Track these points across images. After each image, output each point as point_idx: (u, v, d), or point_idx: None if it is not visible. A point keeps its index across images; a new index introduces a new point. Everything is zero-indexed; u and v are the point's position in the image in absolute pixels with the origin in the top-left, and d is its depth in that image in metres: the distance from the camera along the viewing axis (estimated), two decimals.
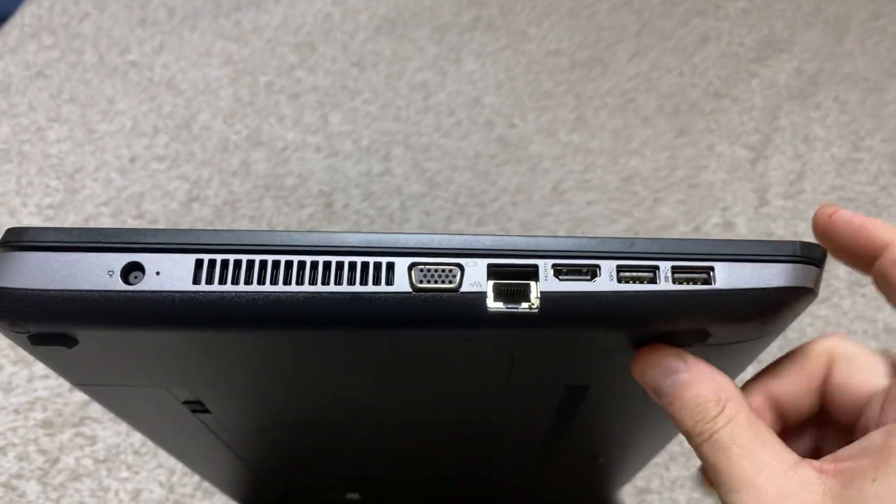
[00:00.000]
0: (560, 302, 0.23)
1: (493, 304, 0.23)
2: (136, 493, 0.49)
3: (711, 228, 0.68)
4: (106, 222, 0.65)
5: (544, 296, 0.23)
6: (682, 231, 0.68)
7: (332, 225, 0.66)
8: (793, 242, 0.24)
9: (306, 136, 0.74)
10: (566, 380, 0.30)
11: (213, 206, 0.67)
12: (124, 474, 0.50)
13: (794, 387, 0.29)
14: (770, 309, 0.24)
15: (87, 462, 0.50)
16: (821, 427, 0.30)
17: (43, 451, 0.50)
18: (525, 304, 0.23)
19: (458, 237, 0.23)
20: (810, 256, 0.24)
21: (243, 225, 0.66)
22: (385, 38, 0.87)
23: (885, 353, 0.29)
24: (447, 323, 0.23)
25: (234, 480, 0.44)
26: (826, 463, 0.23)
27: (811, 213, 0.71)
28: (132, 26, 0.86)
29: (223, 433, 0.34)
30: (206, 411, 0.30)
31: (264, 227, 0.66)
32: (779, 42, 0.90)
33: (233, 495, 0.48)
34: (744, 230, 0.68)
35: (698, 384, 0.24)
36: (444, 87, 0.81)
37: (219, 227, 0.65)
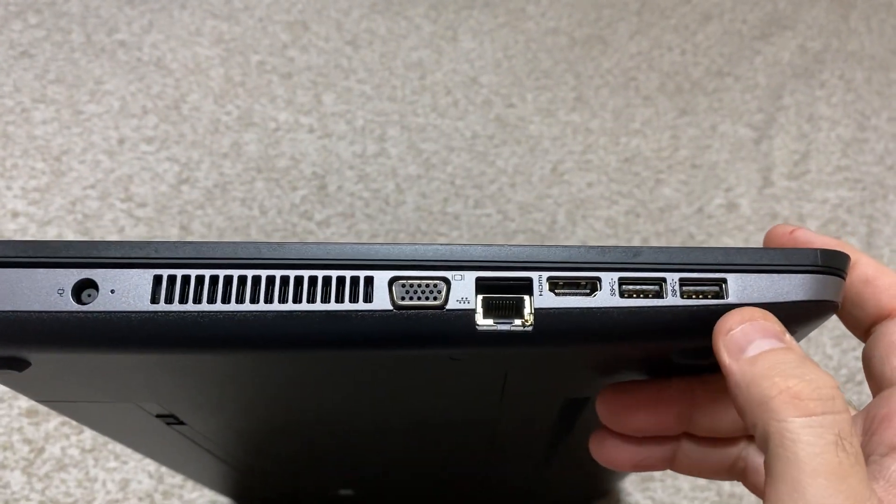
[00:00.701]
0: (556, 319, 0.21)
1: (482, 322, 0.21)
2: (125, 484, 0.48)
3: (714, 209, 0.66)
4: (93, 205, 0.63)
5: (539, 312, 0.21)
6: (683, 213, 0.66)
7: (325, 208, 0.64)
8: (814, 251, 0.22)
9: (299, 116, 0.72)
10: (565, 393, 0.28)
11: (203, 188, 0.65)
12: (112, 464, 0.48)
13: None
14: (788, 324, 0.22)
15: (74, 452, 0.48)
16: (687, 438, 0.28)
17: (28, 441, 0.49)
18: (518, 322, 0.21)
19: (443, 247, 0.21)
20: (833, 266, 0.22)
21: (234, 208, 0.64)
22: (380, 16, 0.85)
23: None
24: (432, 343, 0.21)
25: (221, 480, 0.43)
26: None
27: (817, 195, 0.70)
28: (120, 5, 0.84)
29: (204, 442, 0.32)
30: (182, 423, 0.29)
31: (256, 210, 0.64)
32: (782, 19, 0.88)
33: (222, 492, 0.47)
34: (747, 211, 0.66)
35: (805, 358, 0.21)
36: (440, 66, 0.79)
37: (210, 210, 0.64)
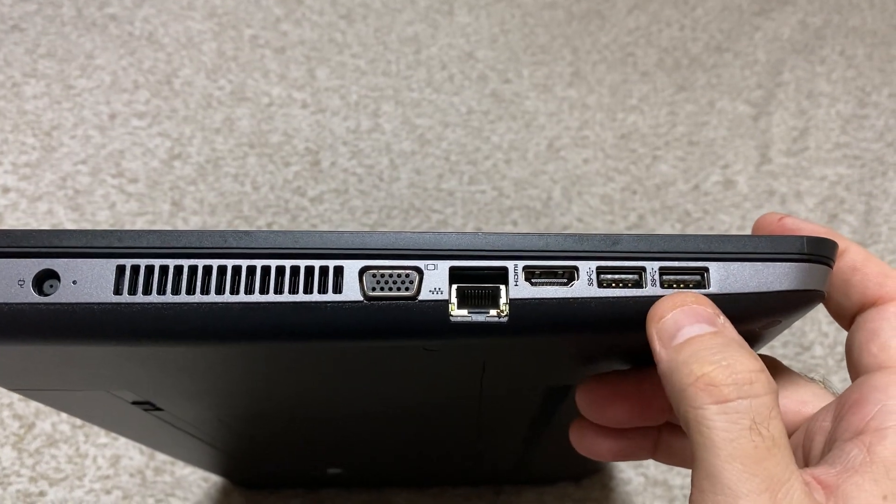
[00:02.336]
0: (532, 309, 0.20)
1: (456, 313, 0.20)
2: (116, 460, 0.47)
3: (711, 186, 0.66)
4: (84, 181, 0.62)
5: (514, 303, 0.20)
6: (680, 189, 0.66)
7: (318, 184, 0.64)
8: (799, 238, 0.21)
9: (292, 91, 0.71)
10: (545, 381, 0.28)
11: (195, 164, 0.65)
12: (103, 440, 0.48)
13: None
14: (772, 315, 0.21)
15: (64, 427, 0.48)
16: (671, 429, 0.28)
17: (18, 417, 0.48)
18: (493, 312, 0.20)
19: (415, 235, 0.20)
20: (819, 254, 0.22)
21: (227, 184, 0.63)
22: None
23: (809, 378, 0.27)
24: (404, 334, 0.20)
25: (208, 461, 0.42)
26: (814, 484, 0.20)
27: (815, 171, 0.69)
28: None
29: (185, 426, 0.32)
30: (159, 409, 0.28)
31: (248, 186, 0.63)
32: None
33: (211, 471, 0.46)
34: (744, 188, 0.66)
35: (732, 340, 0.21)
36: (435, 41, 0.78)
37: (202, 186, 0.63)
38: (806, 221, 0.25)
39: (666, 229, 0.63)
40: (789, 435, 0.25)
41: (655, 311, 0.21)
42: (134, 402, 0.27)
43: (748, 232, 0.61)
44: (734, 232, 0.63)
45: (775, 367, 0.27)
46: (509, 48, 0.78)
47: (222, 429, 0.33)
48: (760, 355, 0.28)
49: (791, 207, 0.64)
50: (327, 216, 0.62)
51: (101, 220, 0.60)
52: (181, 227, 0.60)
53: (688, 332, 0.20)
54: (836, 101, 0.74)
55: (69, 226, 0.59)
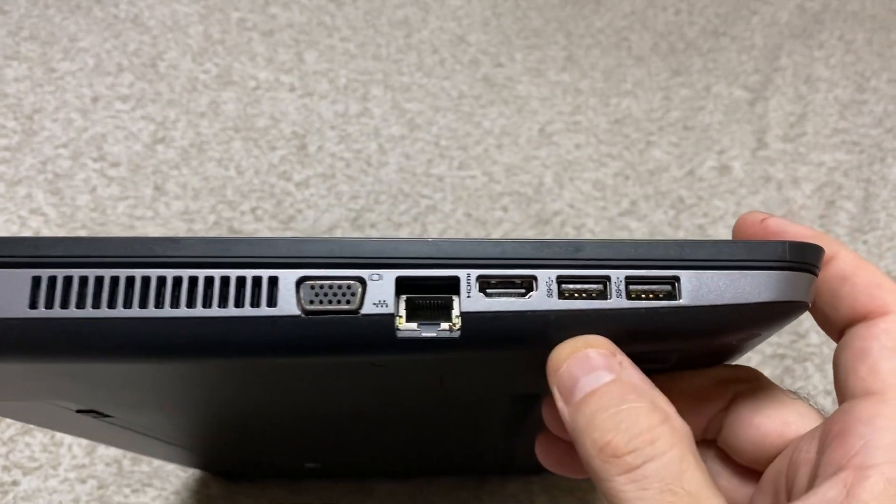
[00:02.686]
0: (486, 323, 0.19)
1: (404, 327, 0.18)
2: (92, 449, 0.46)
3: (706, 172, 0.65)
4: (65, 165, 0.61)
5: (467, 316, 0.19)
6: (674, 175, 0.64)
7: (304, 169, 0.62)
8: (781, 243, 0.19)
9: (280, 75, 0.70)
10: (511, 390, 0.26)
11: (179, 148, 0.63)
12: None
13: (687, 410, 0.24)
14: (750, 328, 0.20)
15: None
16: None
17: None
18: (445, 326, 0.19)
19: (359, 242, 0.19)
20: (803, 261, 0.20)
21: (211, 168, 0.62)
22: None
23: (793, 394, 0.25)
24: (346, 351, 0.18)
25: (176, 457, 0.41)
26: None
27: (813, 157, 0.67)
28: None
29: (141, 429, 0.30)
30: (108, 416, 0.26)
31: (232, 170, 0.62)
32: None
33: (184, 465, 0.45)
34: (740, 174, 0.64)
35: (630, 388, 0.19)
36: (426, 24, 0.77)
37: (185, 171, 0.62)
38: (791, 223, 0.23)
39: (659, 216, 0.61)
40: (772, 459, 0.23)
41: (552, 361, 0.19)
42: (79, 412, 0.25)
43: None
44: (729, 219, 0.62)
45: (756, 382, 0.25)
46: (502, 32, 0.76)
47: (179, 431, 0.32)
48: (738, 366, 0.26)
49: (788, 194, 0.63)
50: (313, 201, 0.60)
51: (81, 204, 0.59)
52: (163, 211, 0.59)
53: (584, 385, 0.19)
54: (834, 87, 0.72)
55: (48, 210, 0.58)
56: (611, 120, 0.69)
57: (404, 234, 0.59)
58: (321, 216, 0.59)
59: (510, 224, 0.61)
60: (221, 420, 0.30)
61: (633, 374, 0.19)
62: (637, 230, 0.61)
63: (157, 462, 0.46)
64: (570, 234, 0.60)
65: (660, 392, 0.20)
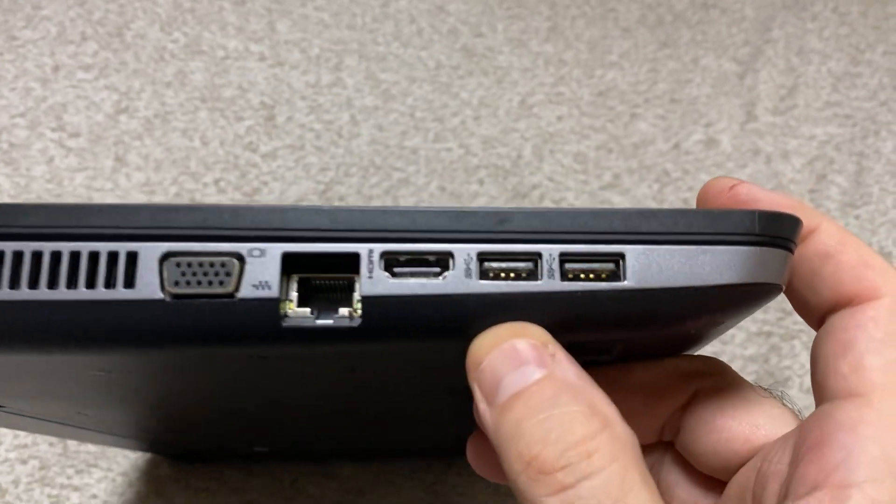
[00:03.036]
0: (393, 308, 0.15)
1: (293, 314, 0.15)
2: None
3: (692, 145, 0.62)
4: (21, 135, 0.58)
5: (368, 301, 0.15)
6: (659, 148, 0.62)
7: (272, 140, 0.60)
8: (749, 213, 0.16)
9: (250, 44, 0.67)
10: (443, 381, 0.22)
11: (142, 118, 0.61)
12: None
13: (640, 407, 0.22)
14: (709, 315, 0.17)
15: None
16: None
17: None
18: (345, 311, 0.15)
19: (238, 210, 0.15)
20: (776, 235, 0.16)
21: (174, 139, 0.59)
22: None
23: (764, 392, 0.21)
24: (219, 341, 0.15)
25: (109, 442, 0.38)
26: None
27: (804, 130, 0.64)
28: None
29: (52, 418, 0.27)
30: (1, 406, 0.23)
31: (197, 141, 0.59)
32: None
33: (124, 448, 0.42)
34: (728, 147, 0.62)
35: (564, 387, 0.16)
36: None
37: (148, 141, 0.59)
38: (766, 189, 0.20)
39: (643, 189, 0.59)
40: (737, 468, 0.20)
41: (471, 355, 0.16)
42: None
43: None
44: None
45: (721, 376, 0.22)
46: (483, 1, 0.73)
47: (99, 421, 0.28)
48: (701, 357, 0.23)
49: (777, 167, 0.60)
50: (280, 173, 0.58)
51: (37, 174, 0.56)
52: (123, 183, 0.56)
53: (509, 385, 0.16)
54: (827, 59, 0.69)
55: (1, 180, 0.55)
56: (595, 92, 0.66)
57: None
58: (287, 188, 0.57)
59: (486, 198, 0.58)
60: (139, 410, 0.27)
61: (567, 370, 0.16)
62: (619, 204, 0.58)
63: None
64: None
65: (600, 391, 0.16)
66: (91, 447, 0.43)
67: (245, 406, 0.27)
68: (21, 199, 0.54)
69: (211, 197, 0.56)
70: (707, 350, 0.49)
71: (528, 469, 0.15)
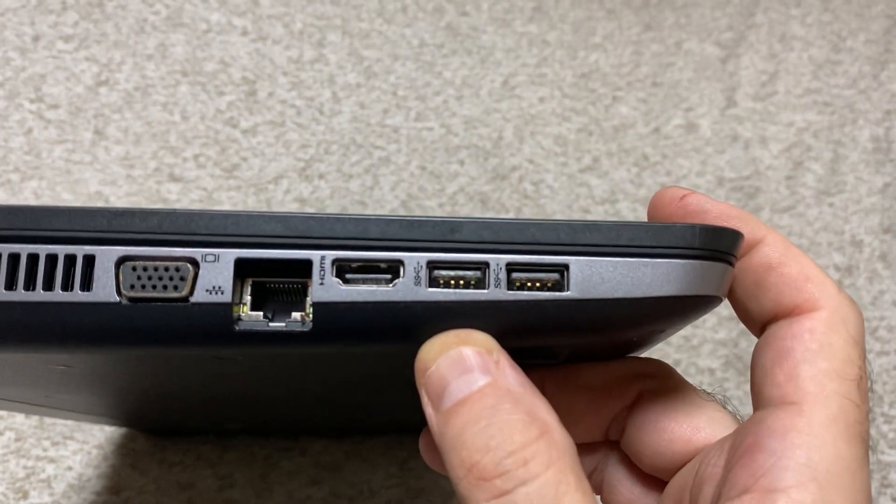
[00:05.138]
0: (343, 315, 0.16)
1: (246, 317, 0.16)
2: None
3: (672, 130, 0.62)
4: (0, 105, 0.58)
5: (320, 308, 0.16)
6: (639, 132, 0.62)
7: (252, 115, 0.60)
8: (690, 227, 0.17)
9: (232, 17, 0.67)
10: (401, 375, 0.24)
11: (122, 91, 0.60)
12: None
13: (586, 406, 0.22)
14: (649, 324, 0.18)
15: None
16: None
17: None
18: (297, 316, 0.16)
19: (193, 215, 0.16)
20: (716, 249, 0.17)
21: (154, 112, 0.59)
22: None
23: (707, 395, 0.22)
24: (175, 344, 0.16)
25: (84, 419, 0.38)
26: None
27: (783, 117, 0.64)
28: None
29: (24, 400, 0.27)
30: None
31: (177, 115, 0.59)
32: None
33: (100, 424, 0.43)
34: (707, 132, 0.62)
35: (506, 395, 0.16)
36: None
37: (128, 115, 0.59)
38: (715, 201, 0.20)
39: (621, 173, 0.59)
40: (677, 468, 0.21)
41: (419, 361, 0.17)
42: None
43: (705, 184, 0.56)
44: (692, 179, 0.60)
45: (666, 379, 0.22)
46: None
47: (63, 403, 0.29)
48: (647, 359, 0.23)
49: (755, 153, 0.61)
50: (260, 149, 0.58)
51: (15, 146, 0.56)
52: (102, 156, 0.56)
53: (454, 391, 0.16)
54: (809, 46, 0.70)
55: None
56: (577, 74, 0.66)
57: (354, 186, 0.57)
58: (267, 165, 0.57)
59: (466, 178, 0.58)
60: (106, 395, 0.27)
61: (510, 377, 0.17)
62: (597, 187, 0.59)
63: None
64: (527, 189, 0.58)
65: (541, 398, 0.17)
66: (67, 420, 0.44)
67: (211, 393, 0.28)
68: None
69: (190, 172, 0.56)
70: (679, 333, 0.50)
71: (468, 475, 0.16)
